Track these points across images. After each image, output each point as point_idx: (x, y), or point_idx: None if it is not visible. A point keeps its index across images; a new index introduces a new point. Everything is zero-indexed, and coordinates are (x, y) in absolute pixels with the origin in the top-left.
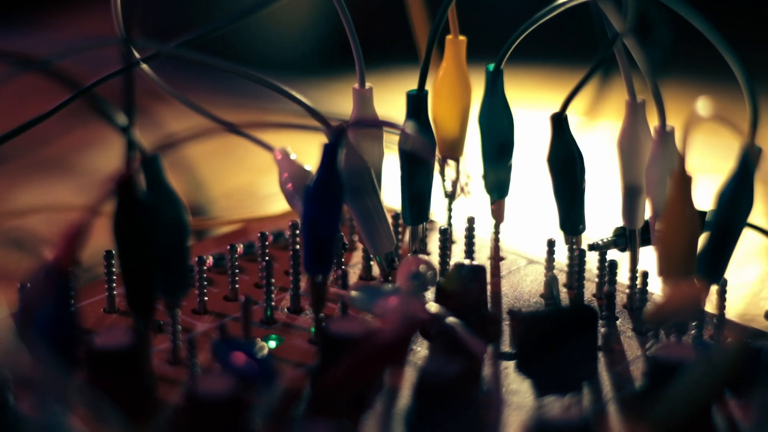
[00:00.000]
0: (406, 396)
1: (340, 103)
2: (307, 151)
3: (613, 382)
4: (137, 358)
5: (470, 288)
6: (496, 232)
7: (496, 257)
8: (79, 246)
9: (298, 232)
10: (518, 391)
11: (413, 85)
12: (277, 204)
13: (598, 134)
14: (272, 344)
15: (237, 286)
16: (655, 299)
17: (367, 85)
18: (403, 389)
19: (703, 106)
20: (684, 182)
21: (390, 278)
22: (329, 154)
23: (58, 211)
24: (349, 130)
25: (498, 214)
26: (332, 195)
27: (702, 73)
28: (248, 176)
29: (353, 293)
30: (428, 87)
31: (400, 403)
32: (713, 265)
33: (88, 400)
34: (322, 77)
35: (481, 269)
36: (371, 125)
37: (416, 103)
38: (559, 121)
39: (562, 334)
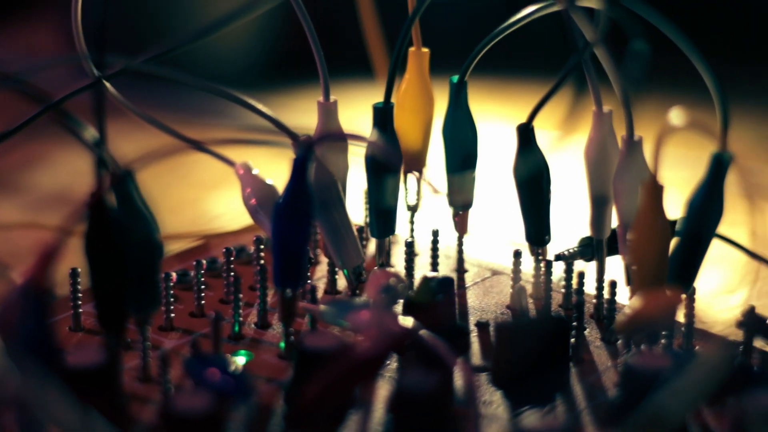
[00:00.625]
0: (380, 410)
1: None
2: (269, 165)
3: (586, 392)
4: (110, 376)
5: (439, 300)
6: (460, 244)
7: (461, 269)
8: (52, 265)
9: (262, 246)
10: (492, 403)
11: (364, 99)
12: (233, 220)
13: (572, 147)
14: (242, 360)
15: (203, 302)
16: (626, 309)
17: (332, 98)
18: (377, 403)
19: (676, 115)
20: (656, 191)
21: (357, 292)
22: (299, 168)
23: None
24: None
25: (462, 226)
26: (302, 209)
27: (670, 84)
28: (194, 192)
29: (323, 307)
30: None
31: (376, 417)
32: (684, 274)
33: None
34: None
35: (449, 281)
36: (342, 138)
37: (383, 116)
38: (526, 132)
39: (542, 344)
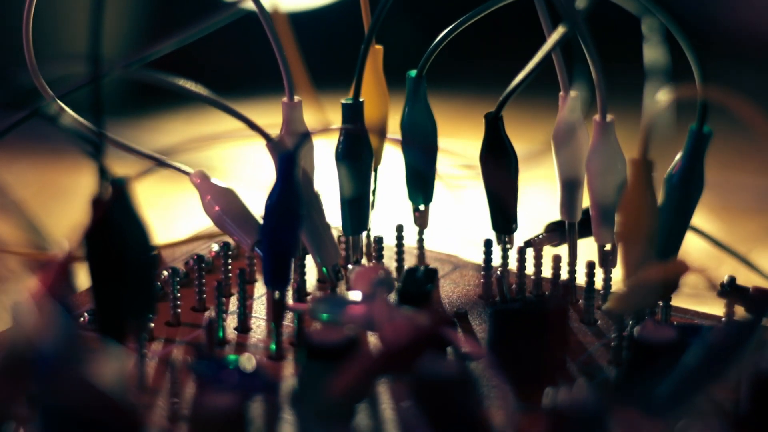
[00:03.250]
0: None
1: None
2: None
3: (583, 372)
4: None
5: (429, 290)
6: (421, 239)
7: (423, 264)
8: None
9: (230, 252)
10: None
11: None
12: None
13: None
14: (251, 357)
15: (179, 310)
16: (616, 288)
17: (296, 98)
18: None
19: (663, 93)
20: (646, 168)
21: (336, 289)
22: (287, 165)
23: None
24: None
25: (422, 221)
26: (292, 207)
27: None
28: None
29: (312, 305)
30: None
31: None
32: (666, 249)
33: None
34: None
35: (434, 272)
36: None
37: (353, 112)
38: (494, 121)
39: (537, 329)
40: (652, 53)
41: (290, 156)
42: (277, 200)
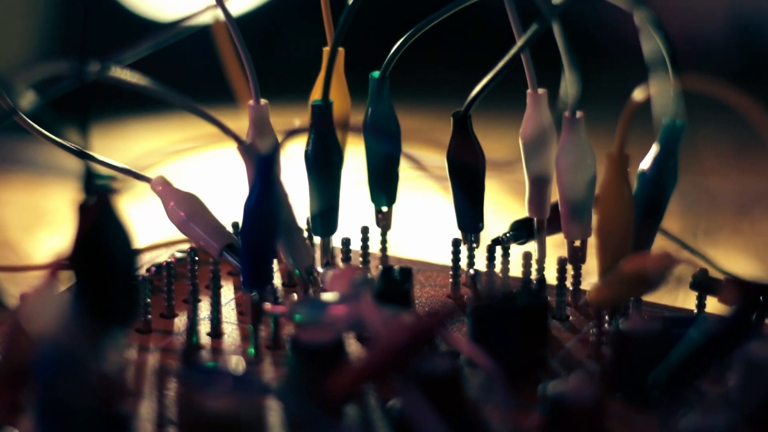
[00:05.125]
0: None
1: None
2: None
3: (564, 366)
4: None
5: (407, 289)
6: (384, 241)
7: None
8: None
9: (197, 258)
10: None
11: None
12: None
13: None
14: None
15: (149, 317)
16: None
17: (262, 101)
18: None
19: (639, 92)
20: (622, 163)
21: (310, 290)
22: (265, 167)
23: None
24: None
25: (386, 223)
26: (272, 208)
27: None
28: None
29: (291, 307)
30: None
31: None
32: (640, 243)
33: None
34: None
35: (409, 271)
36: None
37: (323, 112)
38: (462, 120)
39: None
40: (650, 44)
41: (269, 158)
42: (256, 202)
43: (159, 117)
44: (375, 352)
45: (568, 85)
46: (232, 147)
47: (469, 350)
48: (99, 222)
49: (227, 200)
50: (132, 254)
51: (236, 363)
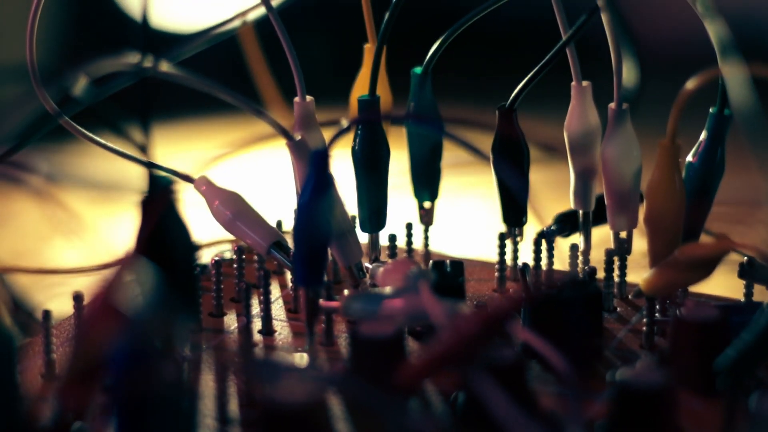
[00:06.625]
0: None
1: None
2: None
3: (618, 356)
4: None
5: (461, 282)
6: (426, 237)
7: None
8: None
9: (244, 256)
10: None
11: None
12: None
13: None
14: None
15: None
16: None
17: (308, 97)
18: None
19: (692, 81)
20: (674, 152)
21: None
22: (320, 162)
23: None
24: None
25: (428, 218)
26: (326, 203)
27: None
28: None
29: (346, 302)
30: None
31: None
32: (690, 233)
33: None
34: None
35: (461, 264)
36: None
37: (371, 107)
38: (508, 114)
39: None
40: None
41: (323, 153)
42: (311, 197)
43: (191, 121)
44: (446, 341)
45: (614, 74)
46: (262, 149)
47: (536, 342)
48: (163, 217)
49: (265, 200)
50: (193, 249)
51: (300, 357)
